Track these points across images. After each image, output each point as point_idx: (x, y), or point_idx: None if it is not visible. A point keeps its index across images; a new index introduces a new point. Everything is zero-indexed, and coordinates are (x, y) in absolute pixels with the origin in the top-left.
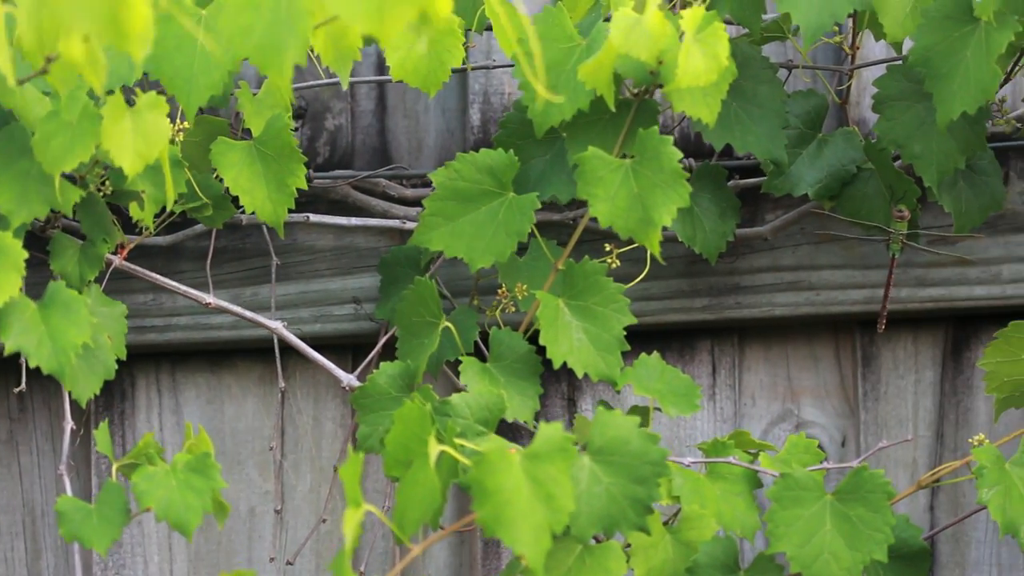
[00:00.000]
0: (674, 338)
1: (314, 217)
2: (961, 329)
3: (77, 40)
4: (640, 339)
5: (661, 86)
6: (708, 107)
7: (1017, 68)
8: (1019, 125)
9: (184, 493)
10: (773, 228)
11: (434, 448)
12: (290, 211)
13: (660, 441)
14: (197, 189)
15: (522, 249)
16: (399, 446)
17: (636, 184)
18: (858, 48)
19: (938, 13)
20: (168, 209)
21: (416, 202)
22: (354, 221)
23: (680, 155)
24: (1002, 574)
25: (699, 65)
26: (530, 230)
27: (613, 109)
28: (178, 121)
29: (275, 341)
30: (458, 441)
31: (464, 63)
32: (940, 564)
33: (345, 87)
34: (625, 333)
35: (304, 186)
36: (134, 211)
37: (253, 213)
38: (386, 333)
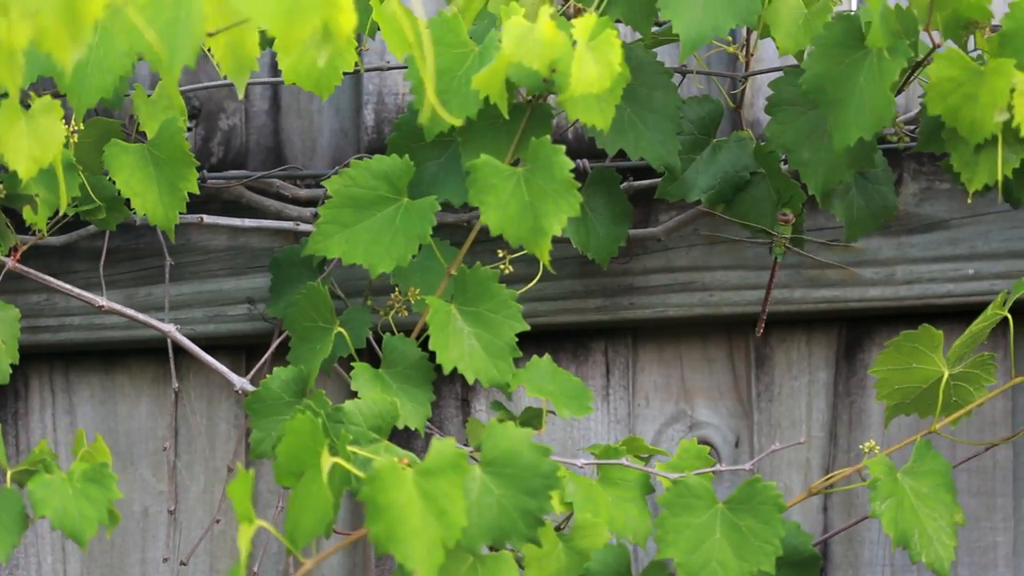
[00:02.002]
0: (568, 339)
1: (208, 218)
2: (854, 330)
3: (22, 23)
4: (534, 340)
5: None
6: (602, 113)
7: (909, 81)
8: (911, 128)
9: (80, 502)
10: (667, 229)
11: (326, 461)
12: (184, 211)
13: (552, 453)
14: (91, 192)
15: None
16: (290, 457)
17: (527, 193)
18: (752, 55)
19: (828, 40)
20: (62, 213)
21: (310, 202)
22: (248, 222)
23: (572, 165)
24: (895, 575)
25: (592, 73)
26: (431, 233)
27: (507, 117)
28: (72, 123)
29: (169, 341)
30: (351, 448)
31: (357, 65)
32: (834, 565)
33: (241, 96)
34: (517, 339)
35: (196, 190)
36: (28, 215)
37: (145, 215)
38: (280, 334)
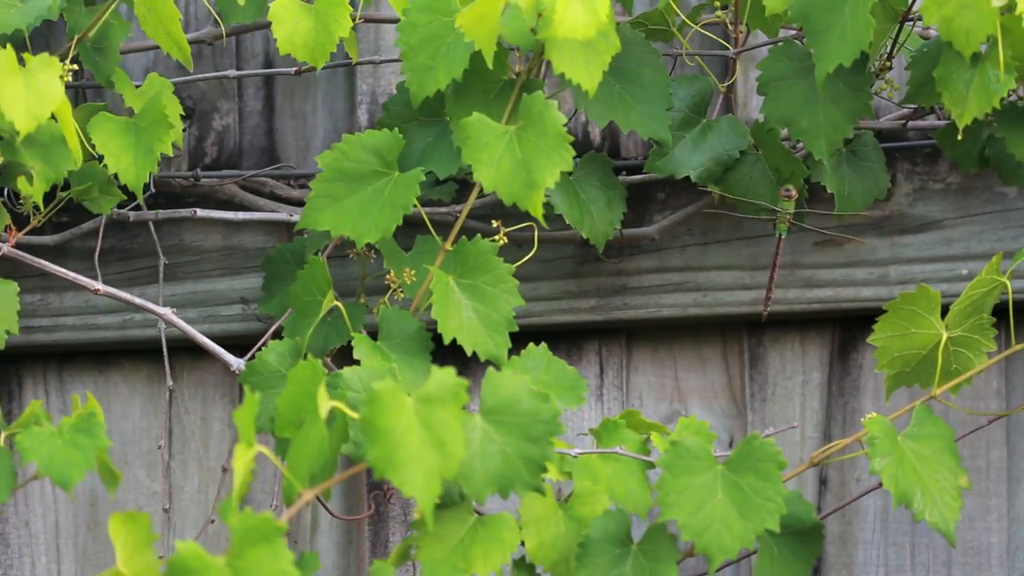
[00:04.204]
0: (562, 338)
1: (201, 212)
2: (848, 330)
3: None
4: (528, 339)
5: (545, 60)
6: (588, 74)
7: (898, 47)
8: (902, 122)
9: (68, 450)
10: (660, 229)
11: (325, 402)
12: (177, 208)
13: (550, 399)
14: (82, 158)
15: (409, 248)
16: (291, 405)
17: (520, 149)
18: (742, 32)
19: None
20: (54, 189)
21: (303, 203)
22: (241, 215)
23: (564, 119)
24: (889, 575)
25: (578, 17)
26: (418, 208)
27: (491, 67)
28: (67, 63)
29: (163, 339)
30: (350, 414)
31: (350, 58)
32: (828, 565)
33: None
34: (514, 315)
35: (169, 152)
36: (23, 186)
37: (128, 201)
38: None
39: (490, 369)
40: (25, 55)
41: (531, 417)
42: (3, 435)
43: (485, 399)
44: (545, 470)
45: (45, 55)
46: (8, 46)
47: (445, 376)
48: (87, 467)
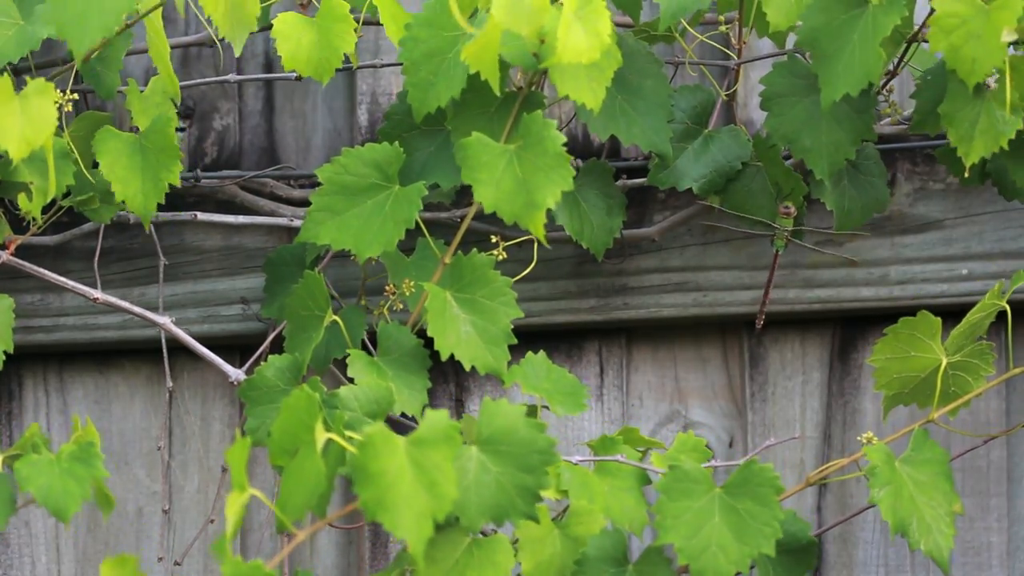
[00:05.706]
0: (562, 339)
1: (201, 215)
2: (848, 330)
3: None
4: (528, 339)
5: (546, 72)
6: (592, 92)
7: (902, 64)
8: (904, 123)
9: (65, 480)
10: (660, 229)
11: (321, 435)
12: (177, 210)
13: (547, 429)
14: (85, 170)
15: (410, 250)
16: (285, 434)
17: (520, 168)
18: (745, 43)
19: None
20: (53, 199)
21: (304, 202)
22: (241, 219)
23: (563, 139)
24: (889, 575)
25: (581, 42)
26: (416, 218)
27: (498, 94)
28: (67, 92)
29: (163, 340)
30: (346, 433)
31: (349, 61)
32: (828, 565)
33: (238, 53)
34: (512, 327)
35: (178, 183)
36: (22, 202)
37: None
38: (274, 332)
39: (486, 398)
40: (27, 79)
41: (527, 447)
42: (1, 459)
43: (481, 428)
44: (540, 499)
45: (41, 80)
46: (5, 75)
47: (438, 418)
48: (83, 498)
